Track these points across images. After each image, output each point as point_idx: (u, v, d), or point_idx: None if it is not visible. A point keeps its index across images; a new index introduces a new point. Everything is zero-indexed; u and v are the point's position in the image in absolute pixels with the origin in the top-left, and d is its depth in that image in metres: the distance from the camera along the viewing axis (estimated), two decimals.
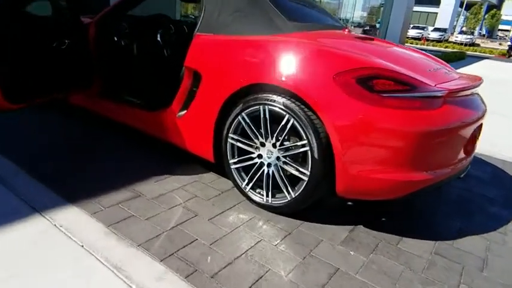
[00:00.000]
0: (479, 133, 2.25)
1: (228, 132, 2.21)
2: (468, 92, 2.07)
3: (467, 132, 1.98)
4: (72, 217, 1.91)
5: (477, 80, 2.14)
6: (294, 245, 1.89)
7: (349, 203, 2.36)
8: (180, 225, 1.95)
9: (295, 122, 1.92)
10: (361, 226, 2.14)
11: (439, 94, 1.84)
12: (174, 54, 3.16)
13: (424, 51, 2.78)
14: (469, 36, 33.73)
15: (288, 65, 1.93)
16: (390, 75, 1.82)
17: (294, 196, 2.03)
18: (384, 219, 2.25)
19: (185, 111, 2.49)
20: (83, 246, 1.69)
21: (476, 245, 2.08)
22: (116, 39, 3.04)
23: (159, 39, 3.03)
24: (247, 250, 1.80)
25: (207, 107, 2.27)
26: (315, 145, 1.88)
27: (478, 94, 2.25)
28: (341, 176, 1.85)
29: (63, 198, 2.07)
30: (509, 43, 25.01)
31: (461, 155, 2.05)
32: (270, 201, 2.14)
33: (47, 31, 2.54)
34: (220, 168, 2.48)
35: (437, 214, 2.37)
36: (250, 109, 2.08)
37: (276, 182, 2.10)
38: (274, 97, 1.98)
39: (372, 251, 1.91)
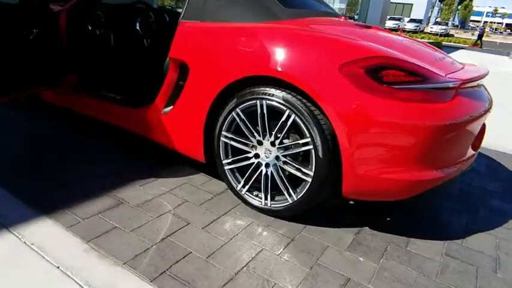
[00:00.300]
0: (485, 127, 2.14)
1: (220, 130, 2.01)
2: (476, 83, 1.94)
3: (478, 125, 1.86)
4: (45, 232, 1.67)
5: (483, 70, 2.02)
6: (299, 253, 1.72)
7: (351, 202, 2.21)
8: (171, 236, 1.75)
9: (297, 118, 1.74)
10: (367, 228, 1.99)
11: (451, 85, 1.70)
12: (155, 45, 2.91)
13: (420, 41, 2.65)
14: (443, 27, 34.42)
15: (289, 55, 1.74)
16: (401, 65, 1.66)
17: (296, 199, 1.86)
18: (388, 219, 2.12)
19: (171, 107, 2.26)
20: (58, 267, 1.46)
21: (485, 243, 1.98)
22: (90, 28, 2.76)
23: (138, 28, 2.77)
24: (249, 262, 1.62)
25: (196, 102, 2.05)
26: (319, 143, 1.70)
27: (483, 85, 2.13)
28: (348, 177, 1.69)
29: (33, 210, 1.82)
30: (477, 32, 25.89)
31: (470, 150, 1.93)
32: (269, 205, 1.96)
33: (14, 20, 2.25)
34: (211, 169, 2.28)
35: (441, 211, 2.26)
36: (245, 104, 1.88)
37: (276, 183, 1.92)
38: (273, 91, 1.79)
39: (381, 256, 1.77)
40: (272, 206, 1.95)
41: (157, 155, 2.59)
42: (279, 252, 1.72)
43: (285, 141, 1.87)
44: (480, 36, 23.66)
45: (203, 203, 2.06)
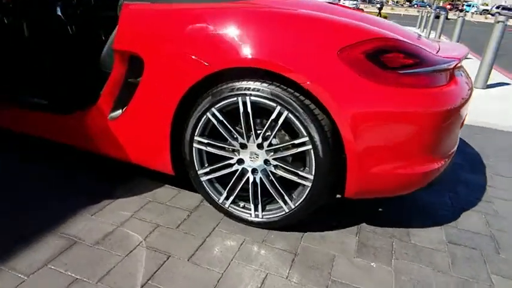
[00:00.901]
0: None
1: (192, 135, 1.65)
2: (460, 64, 1.84)
3: (467, 107, 1.77)
4: None
5: (464, 48, 1.93)
6: (308, 271, 1.49)
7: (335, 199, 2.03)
8: (152, 279, 1.39)
9: (291, 115, 1.47)
10: (364, 224, 1.83)
11: (450, 66, 1.56)
12: (83, 33, 2.36)
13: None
14: (354, 2, 36.25)
15: (276, 41, 1.44)
16: (401, 47, 1.46)
17: (293, 206, 1.61)
18: (380, 209, 1.99)
19: (120, 111, 1.83)
20: None
21: (476, 222, 1.95)
22: None
23: (59, 13, 2.20)
24: None
25: (157, 104, 1.66)
26: (319, 142, 1.46)
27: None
28: (354, 175, 1.48)
29: None
30: (378, 6, 29.10)
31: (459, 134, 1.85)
32: (260, 216, 1.68)
33: None
34: (177, 178, 1.92)
35: (424, 193, 2.20)
36: (223, 102, 1.55)
37: (266, 191, 1.65)
38: (258, 84, 1.48)
39: (391, 256, 1.62)
40: (265, 217, 1.68)
41: (103, 170, 2.13)
42: (287, 274, 1.47)
43: (274, 141, 1.59)
44: (380, 9, 26.32)
45: (179, 225, 1.71)
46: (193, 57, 1.53)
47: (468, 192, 2.25)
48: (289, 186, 1.64)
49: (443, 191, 2.23)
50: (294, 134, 1.60)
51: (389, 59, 1.42)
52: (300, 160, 1.60)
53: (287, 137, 1.66)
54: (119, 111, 1.84)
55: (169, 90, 1.60)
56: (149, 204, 1.85)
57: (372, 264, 1.57)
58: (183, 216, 1.77)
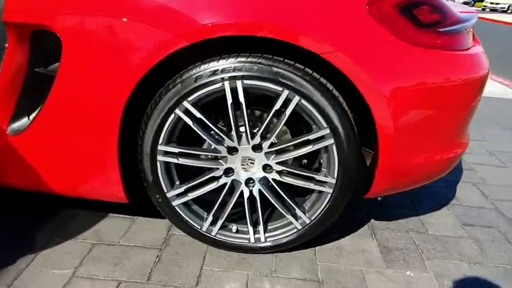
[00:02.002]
0: None
1: (155, 145, 1.12)
2: None
3: None
4: None
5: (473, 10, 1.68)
6: None
7: None
8: None
9: (304, 101, 1.05)
10: (374, 222, 1.54)
11: (474, 23, 1.28)
12: None
13: None
14: None
15: None
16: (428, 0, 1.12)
17: (308, 221, 1.21)
18: (379, 198, 1.72)
19: (27, 119, 1.19)
20: None
21: (472, 195, 1.82)
22: None
23: None
24: None
25: (91, 105, 1.07)
26: (343, 133, 1.07)
27: None
28: (388, 170, 1.14)
29: None
30: None
31: None
32: (263, 239, 1.25)
33: None
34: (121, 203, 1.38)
35: None
36: (201, 92, 1.05)
37: (267, 205, 1.22)
38: (254, 61, 1.02)
39: (421, 257, 1.35)
40: (269, 240, 1.25)
41: (17, 207, 1.45)
42: None
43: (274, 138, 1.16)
44: None
45: (151, 275, 1.18)
46: (147, 26, 0.98)
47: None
48: (299, 195, 1.24)
49: None
50: (297, 128, 1.19)
51: (422, 13, 1.07)
52: (315, 161, 1.20)
53: (288, 135, 1.24)
54: (25, 120, 1.19)
55: (109, 83, 1.04)
56: (95, 249, 1.27)
57: (407, 273, 1.27)
58: (151, 258, 1.25)
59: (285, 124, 1.18)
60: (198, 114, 1.08)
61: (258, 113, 1.21)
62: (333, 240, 1.41)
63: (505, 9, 23.58)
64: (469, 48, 1.17)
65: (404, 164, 1.13)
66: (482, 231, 1.53)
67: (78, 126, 1.11)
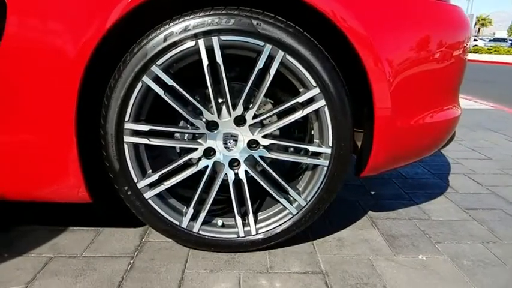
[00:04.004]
0: None
1: (120, 122, 0.96)
2: None
3: None
4: None
5: None
6: None
7: None
8: None
9: (290, 57, 0.94)
10: (372, 213, 1.41)
11: None
12: None
13: None
14: None
15: None
16: None
17: (304, 203, 1.06)
18: (372, 192, 1.60)
19: None
20: None
21: (466, 183, 1.74)
22: None
23: None
24: None
25: (42, 76, 0.91)
26: (334, 94, 0.96)
27: None
28: (385, 137, 1.02)
29: None
30: None
31: None
32: (254, 232, 1.07)
33: None
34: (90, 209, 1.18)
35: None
36: (171, 53, 0.93)
37: (258, 190, 1.06)
38: (230, 14, 0.91)
39: (430, 241, 1.21)
40: (261, 231, 1.08)
41: None
42: None
43: (260, 108, 1.03)
44: None
45: (121, 283, 0.96)
46: None
47: (433, 159, 2.06)
48: (289, 176, 1.10)
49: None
50: (279, 96, 1.08)
51: None
52: (305, 131, 1.08)
53: (270, 105, 1.12)
54: None
55: (64, 48, 0.89)
56: (52, 263, 1.04)
57: (420, 257, 1.12)
58: (122, 267, 1.03)
59: (268, 95, 1.07)
60: (170, 81, 0.94)
61: (237, 86, 1.09)
62: (332, 232, 1.25)
63: None
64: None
65: (400, 127, 1.02)
66: (486, 213, 1.43)
67: (24, 112, 0.93)
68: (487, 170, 1.91)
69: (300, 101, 0.98)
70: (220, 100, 1.01)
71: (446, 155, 2.15)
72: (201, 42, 0.91)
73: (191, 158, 1.03)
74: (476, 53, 22.80)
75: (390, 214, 1.40)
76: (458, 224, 1.34)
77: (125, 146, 0.98)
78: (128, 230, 1.21)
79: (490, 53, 22.64)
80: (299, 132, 1.16)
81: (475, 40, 33.92)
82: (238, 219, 1.06)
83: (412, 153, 1.15)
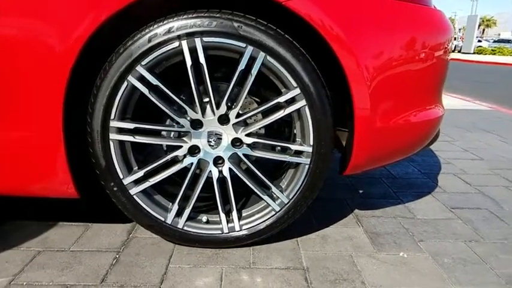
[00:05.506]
0: None
1: (106, 120, 0.99)
2: None
3: None
4: None
5: None
6: (335, 286, 0.98)
7: None
8: None
9: (270, 58, 0.97)
10: (358, 211, 1.43)
11: None
12: None
13: None
14: None
15: None
16: None
17: (287, 200, 1.08)
18: (361, 191, 1.62)
19: None
20: None
21: (455, 183, 1.75)
22: None
23: None
24: None
25: (26, 73, 0.94)
26: (315, 94, 0.99)
27: None
28: (365, 137, 1.05)
29: None
30: None
31: None
32: (237, 228, 1.10)
33: None
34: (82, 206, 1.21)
35: (387, 168, 1.93)
36: (156, 54, 0.95)
37: (241, 187, 1.09)
38: (213, 16, 0.94)
39: (413, 239, 1.23)
40: (245, 227, 1.10)
41: None
42: None
43: (243, 107, 1.06)
44: None
45: (106, 277, 0.99)
46: None
47: (424, 159, 2.07)
48: (272, 173, 1.12)
49: (401, 162, 2.00)
50: (265, 96, 1.11)
51: None
52: (288, 130, 1.10)
53: (255, 105, 1.14)
54: None
55: (52, 46, 0.92)
56: (40, 256, 1.07)
57: (401, 254, 1.14)
58: (107, 261, 1.06)
59: (255, 95, 1.10)
60: (155, 81, 0.97)
61: (222, 86, 1.11)
62: (316, 230, 1.27)
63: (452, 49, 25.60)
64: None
65: (380, 127, 1.04)
66: (471, 213, 1.45)
67: (13, 109, 0.96)
68: (478, 170, 1.92)
69: (282, 101, 1.01)
70: (205, 99, 1.04)
71: (438, 155, 2.16)
72: (184, 44, 0.94)
73: (176, 156, 1.06)
74: (480, 54, 22.75)
75: (376, 212, 1.42)
76: (443, 222, 1.36)
77: (111, 144, 1.01)
78: (116, 226, 1.24)
79: (494, 54, 22.55)
80: (283, 131, 1.19)
81: (479, 41, 33.86)
82: (223, 215, 1.09)
83: (394, 152, 1.17)
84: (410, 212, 1.43)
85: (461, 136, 2.64)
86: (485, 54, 22.64)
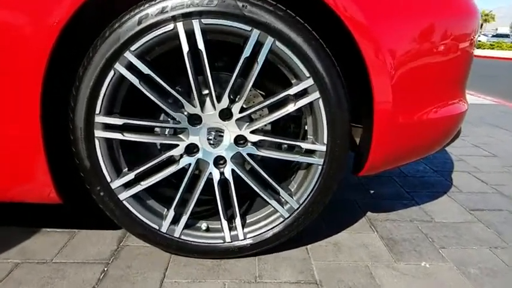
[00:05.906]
0: None
1: (90, 116, 0.86)
2: None
3: None
4: None
5: None
6: None
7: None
8: None
9: (279, 44, 0.84)
10: (370, 214, 1.31)
11: None
12: None
13: None
14: None
15: None
16: None
17: (297, 206, 0.96)
18: (372, 191, 1.50)
19: None
20: None
21: (471, 181, 1.64)
22: None
23: None
24: None
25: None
26: (329, 84, 0.86)
27: None
28: (385, 133, 0.92)
29: None
30: None
31: None
32: (241, 237, 0.98)
33: None
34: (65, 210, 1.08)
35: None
36: (146, 38, 0.82)
37: (247, 191, 0.96)
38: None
39: (433, 246, 1.12)
40: (249, 236, 0.98)
41: None
42: None
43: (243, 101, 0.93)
44: None
45: None
46: None
47: (435, 155, 1.96)
48: (281, 176, 1.00)
49: None
50: (272, 88, 0.98)
51: None
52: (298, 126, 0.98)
53: (261, 98, 1.02)
54: None
55: (23, 30, 0.78)
56: (17, 270, 0.94)
57: (423, 264, 1.03)
58: (94, 276, 0.93)
59: (260, 87, 0.97)
60: (146, 70, 0.84)
61: (224, 77, 0.99)
62: (327, 236, 1.15)
63: None
64: None
65: (402, 123, 0.92)
66: (492, 215, 1.34)
67: None
68: (492, 168, 1.81)
69: (292, 93, 0.88)
70: (204, 92, 0.91)
71: (449, 151, 2.05)
72: (180, 26, 0.81)
73: (172, 155, 0.93)
74: (479, 48, 22.65)
75: (390, 215, 1.31)
76: (463, 226, 1.25)
77: (96, 142, 0.88)
78: (105, 233, 1.12)
79: (493, 48, 22.47)
80: (291, 128, 1.06)
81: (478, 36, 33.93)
82: (224, 222, 0.97)
83: (415, 151, 1.05)
84: (428, 215, 1.32)
85: (470, 131, 2.53)
86: (484, 48, 22.55)
